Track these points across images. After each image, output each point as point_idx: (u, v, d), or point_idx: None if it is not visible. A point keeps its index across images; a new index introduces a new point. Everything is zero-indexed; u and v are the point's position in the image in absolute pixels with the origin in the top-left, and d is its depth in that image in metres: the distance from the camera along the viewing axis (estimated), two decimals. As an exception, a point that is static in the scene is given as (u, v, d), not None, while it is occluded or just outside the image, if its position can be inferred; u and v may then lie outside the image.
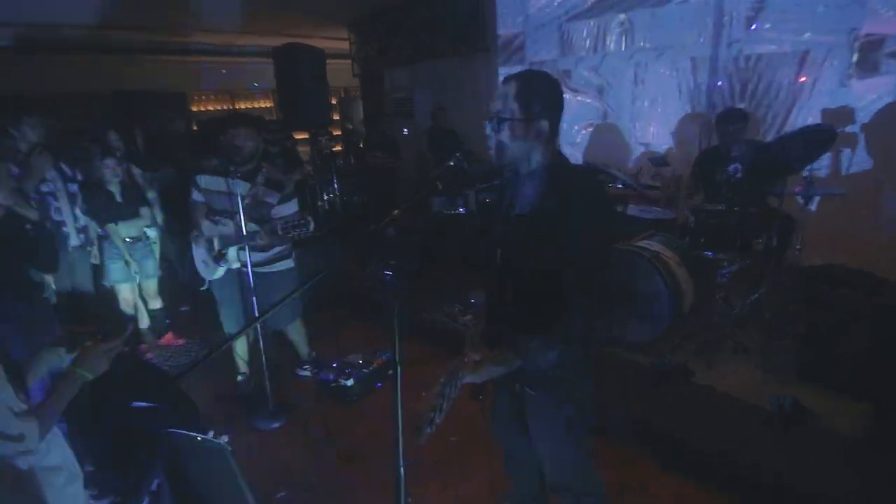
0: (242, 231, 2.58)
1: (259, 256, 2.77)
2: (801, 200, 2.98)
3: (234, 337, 2.72)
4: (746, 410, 2.50)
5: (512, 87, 1.37)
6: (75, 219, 3.43)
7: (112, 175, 3.40)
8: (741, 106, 3.80)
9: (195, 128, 7.72)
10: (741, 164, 2.75)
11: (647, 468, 2.37)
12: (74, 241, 3.43)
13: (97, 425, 2.04)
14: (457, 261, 4.89)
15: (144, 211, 3.61)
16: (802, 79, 3.73)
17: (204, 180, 2.74)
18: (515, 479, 2.01)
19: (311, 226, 2.43)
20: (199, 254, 2.82)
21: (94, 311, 3.64)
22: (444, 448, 2.58)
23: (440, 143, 5.70)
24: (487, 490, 2.29)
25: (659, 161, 4.12)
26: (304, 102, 5.00)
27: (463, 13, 5.79)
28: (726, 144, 3.16)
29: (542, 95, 1.38)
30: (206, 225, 2.76)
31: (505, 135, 1.39)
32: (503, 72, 5.74)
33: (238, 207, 2.55)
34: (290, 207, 2.78)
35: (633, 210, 3.72)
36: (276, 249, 2.81)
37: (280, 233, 2.48)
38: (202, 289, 2.92)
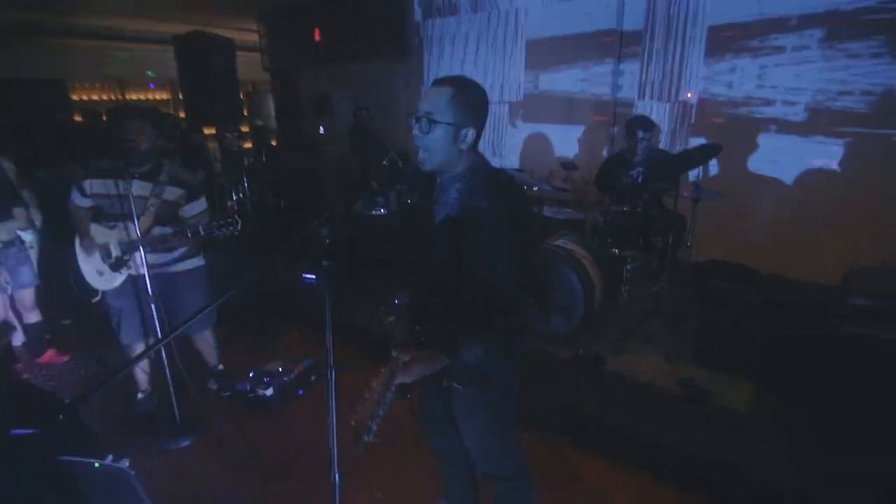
0: (150, 234, 2.40)
1: (164, 256, 2.57)
2: (690, 202, 3.35)
3: (149, 349, 2.45)
4: (652, 392, 2.75)
5: (445, 91, 1.39)
6: (-74, 219, 2.92)
7: (-26, 170, 2.94)
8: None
9: (80, 119, 6.88)
10: (643, 168, 3.02)
11: (575, 456, 2.50)
12: (-75, 245, 2.91)
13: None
14: (379, 262, 4.84)
15: (18, 212, 3.14)
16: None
17: (92, 184, 2.47)
18: (448, 476, 2.03)
19: (239, 224, 2.29)
20: (90, 263, 2.54)
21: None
22: (369, 451, 2.54)
23: (363, 143, 5.62)
24: (416, 490, 2.29)
25: (569, 165, 4.40)
26: (212, 96, 4.67)
27: (382, 13, 5.75)
28: (632, 150, 3.44)
29: (472, 103, 1.41)
30: (98, 230, 2.50)
31: (432, 137, 1.41)
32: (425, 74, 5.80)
33: (142, 209, 2.37)
34: (199, 205, 2.60)
35: (547, 211, 3.94)
36: (183, 249, 2.62)
37: (203, 233, 2.31)
38: (94, 300, 2.61)
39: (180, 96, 6.36)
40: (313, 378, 3.11)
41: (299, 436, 2.68)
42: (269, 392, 2.85)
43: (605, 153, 4.56)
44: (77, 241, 2.56)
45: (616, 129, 4.55)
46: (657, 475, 2.35)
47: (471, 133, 1.42)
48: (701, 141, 4.13)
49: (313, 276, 4.33)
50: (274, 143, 6.83)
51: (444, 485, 2.08)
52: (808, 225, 3.78)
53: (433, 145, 1.41)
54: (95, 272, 2.56)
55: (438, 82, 1.43)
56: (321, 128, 6.42)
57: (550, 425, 2.66)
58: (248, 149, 6.25)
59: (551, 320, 3.21)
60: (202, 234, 2.31)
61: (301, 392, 3.03)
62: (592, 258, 3.22)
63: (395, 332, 1.70)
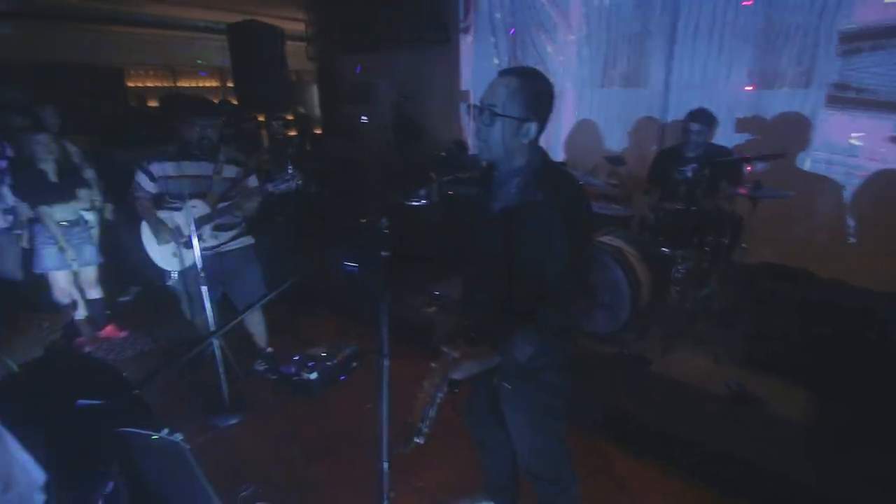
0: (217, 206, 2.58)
1: (223, 235, 2.74)
2: (748, 202, 3.20)
3: (219, 331, 2.54)
4: (699, 396, 2.66)
5: (510, 83, 1.35)
6: (1, 198, 3.11)
7: (45, 152, 3.10)
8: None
9: (134, 104, 7.16)
10: (698, 164, 2.90)
11: (612, 453, 2.46)
12: (1, 222, 3.10)
13: (42, 428, 1.87)
14: (418, 253, 4.87)
15: (82, 193, 3.32)
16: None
17: (158, 168, 2.59)
18: (488, 466, 2.03)
19: (299, 179, 2.46)
20: (162, 248, 2.66)
21: (24, 299, 3.32)
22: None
23: (404, 132, 5.62)
24: (456, 481, 2.30)
25: (616, 160, 4.27)
26: (262, 83, 4.76)
27: (426, 2, 5.71)
28: (687, 144, 3.30)
29: (538, 96, 1.38)
30: (165, 215, 2.62)
31: (494, 130, 1.38)
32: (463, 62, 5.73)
33: (208, 187, 2.56)
34: (254, 181, 2.74)
35: (594, 207, 3.83)
36: (237, 228, 2.81)
37: (271, 189, 2.51)
38: (169, 283, 2.75)
39: (229, 84, 6.55)
40: (355, 365, 3.16)
41: (340, 420, 2.74)
42: (313, 376, 2.91)
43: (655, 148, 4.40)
44: (144, 229, 2.68)
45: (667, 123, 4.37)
46: (697, 478, 2.28)
47: (533, 127, 1.38)
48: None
49: (355, 265, 4.40)
50: (318, 131, 6.93)
51: (483, 475, 2.07)
52: (876, 228, 3.55)
53: (494, 138, 1.39)
54: (170, 255, 2.67)
55: (505, 73, 1.40)
56: (363, 117, 6.46)
57: (589, 422, 2.62)
58: (293, 137, 6.36)
59: (595, 317, 3.14)
60: (271, 190, 2.50)
61: (343, 378, 3.08)
62: (640, 256, 3.13)
63: (441, 326, 1.70)
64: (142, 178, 2.61)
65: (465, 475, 2.29)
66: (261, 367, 3.14)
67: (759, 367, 2.84)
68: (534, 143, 1.43)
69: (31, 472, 1.39)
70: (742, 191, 3.08)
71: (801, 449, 2.28)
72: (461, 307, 1.76)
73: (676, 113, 4.19)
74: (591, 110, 4.87)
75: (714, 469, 2.28)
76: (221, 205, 2.61)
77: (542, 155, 1.47)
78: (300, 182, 2.45)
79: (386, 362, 1.39)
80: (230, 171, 2.68)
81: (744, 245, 3.20)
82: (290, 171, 2.47)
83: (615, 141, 4.81)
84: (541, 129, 1.42)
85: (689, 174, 2.95)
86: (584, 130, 5.02)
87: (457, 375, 1.39)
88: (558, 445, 1.67)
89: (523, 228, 1.40)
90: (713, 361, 2.96)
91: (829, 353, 2.59)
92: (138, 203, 2.66)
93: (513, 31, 5.01)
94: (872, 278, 2.96)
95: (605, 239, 3.21)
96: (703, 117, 3.20)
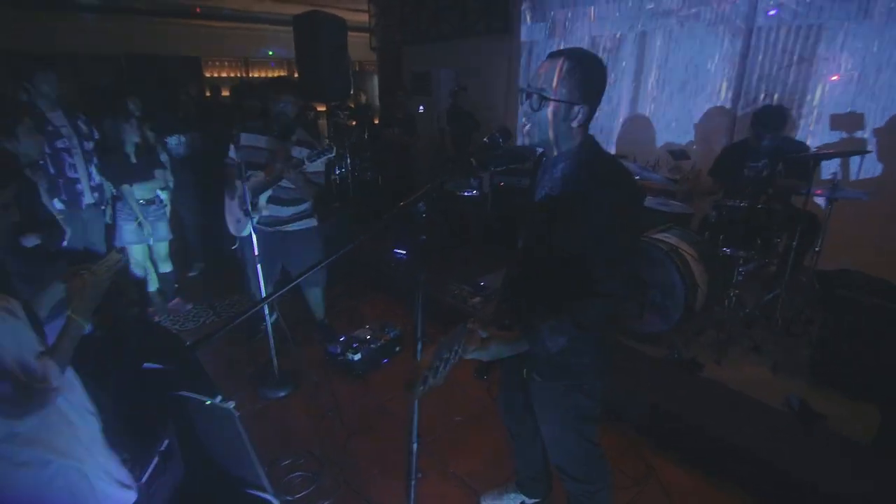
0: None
1: (285, 210, 2.91)
2: (823, 203, 2.94)
3: (258, 306, 2.69)
4: (753, 407, 2.50)
5: (560, 64, 1.30)
6: (90, 177, 3.41)
7: (128, 136, 3.37)
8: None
9: (208, 94, 7.61)
10: (770, 160, 2.68)
11: (655, 458, 2.38)
12: (89, 198, 3.40)
13: (109, 385, 2.06)
14: (469, 242, 4.88)
15: (159, 173, 3.59)
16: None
17: (246, 137, 2.81)
18: (521, 458, 2.02)
19: (333, 149, 2.64)
20: (232, 211, 2.91)
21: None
22: (449, 426, 2.61)
23: (459, 123, 5.63)
24: (488, 469, 2.30)
25: (679, 154, 4.05)
26: (325, 74, 4.91)
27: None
28: (758, 139, 3.08)
29: (588, 79, 1.32)
30: (239, 184, 2.77)
31: (542, 113, 1.35)
32: (524, 52, 5.65)
33: (274, 161, 2.70)
34: (319, 166, 2.87)
35: (651, 202, 3.67)
36: (300, 208, 2.97)
37: (308, 162, 2.66)
38: (233, 248, 3.01)
39: (296, 74, 6.81)
40: (398, 349, 3.23)
41: (381, 400, 2.81)
42: (357, 357, 3.00)
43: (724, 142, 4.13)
44: (226, 195, 2.93)
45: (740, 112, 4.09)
46: (745, 491, 2.16)
47: (583, 111, 1.33)
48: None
49: (404, 252, 4.49)
50: (376, 121, 7.07)
51: (516, 466, 2.06)
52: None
53: (542, 121, 1.35)
54: (235, 221, 2.92)
55: (553, 55, 1.34)
56: (421, 106, 6.52)
57: (634, 424, 2.53)
58: (354, 126, 6.52)
59: (646, 317, 3.02)
60: (307, 163, 2.66)
61: (386, 361, 3.16)
62: (699, 256, 2.97)
63: (483, 308, 1.67)
64: (231, 148, 2.85)
65: (497, 464, 2.30)
66: (317, 336, 3.34)
67: (823, 382, 2.62)
68: (583, 128, 1.38)
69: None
70: (817, 192, 2.84)
71: (861, 471, 2.08)
72: (501, 294, 1.75)
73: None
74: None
75: (763, 483, 2.14)
76: (284, 182, 2.75)
77: (592, 143, 1.41)
78: (334, 153, 2.60)
79: (420, 346, 1.40)
80: (298, 152, 2.79)
81: (817, 249, 2.94)
82: (326, 145, 2.67)
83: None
84: (590, 114, 1.36)
85: (760, 170, 2.75)
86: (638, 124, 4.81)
87: (482, 356, 1.34)
88: (589, 445, 1.62)
89: (564, 218, 1.36)
90: (770, 371, 2.76)
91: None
92: (226, 171, 2.90)
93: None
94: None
95: (661, 236, 3.07)
96: (775, 114, 2.98)
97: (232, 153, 2.86)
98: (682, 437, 2.41)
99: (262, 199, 2.79)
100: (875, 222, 3.48)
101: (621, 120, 5.00)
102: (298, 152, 2.78)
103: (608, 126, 5.08)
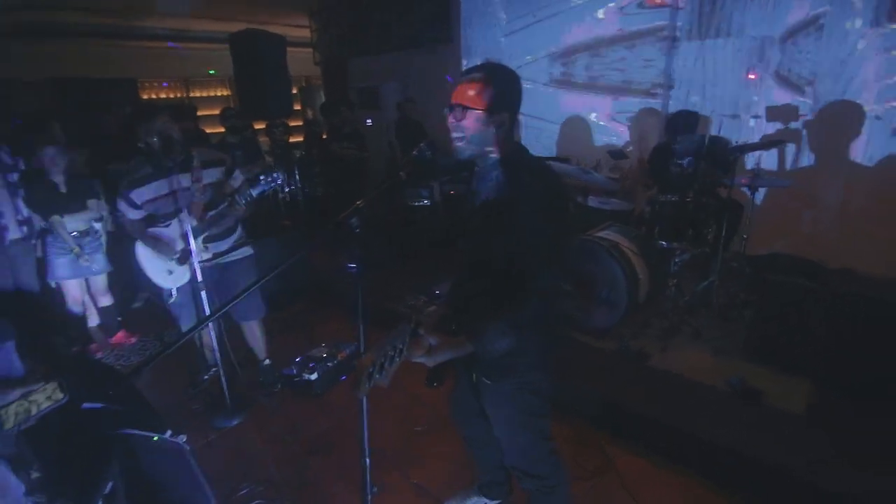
0: (205, 219, 2.53)
1: (223, 244, 2.72)
2: (747, 192, 3.15)
3: (195, 328, 2.59)
4: (699, 391, 2.63)
5: (479, 78, 1.38)
6: (17, 210, 3.23)
7: (54, 164, 3.21)
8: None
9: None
10: (693, 155, 2.86)
11: (613, 449, 2.45)
12: (15, 233, 3.22)
13: (46, 429, 1.95)
14: (422, 252, 4.90)
15: (92, 203, 3.42)
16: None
17: (140, 194, 2.53)
18: (480, 463, 2.04)
19: (281, 177, 2.41)
20: (158, 265, 2.67)
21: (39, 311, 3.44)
22: (409, 436, 2.61)
23: (407, 135, 5.66)
24: (450, 476, 2.32)
25: (617, 154, 4.24)
26: (264, 91, 4.85)
27: (428, 4, 5.75)
28: (672, 141, 3.26)
29: (507, 89, 1.40)
30: (157, 232, 2.63)
31: (467, 125, 1.40)
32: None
33: (189, 199, 2.49)
34: (239, 177, 2.70)
35: (592, 202, 3.82)
36: (234, 236, 2.78)
37: (255, 195, 2.48)
38: (171, 301, 2.74)
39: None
40: (356, 364, 3.20)
41: (340, 417, 2.78)
42: (314, 377, 2.96)
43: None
44: (139, 247, 2.68)
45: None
46: (697, 473, 2.27)
47: (506, 119, 1.41)
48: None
49: (355, 266, 4.45)
50: (324, 136, 7.01)
51: (476, 471, 2.09)
52: (884, 216, 3.45)
53: (468, 134, 1.41)
54: (165, 272, 2.67)
55: (468, 71, 1.42)
56: (368, 119, 6.52)
57: (588, 417, 2.61)
58: (300, 142, 6.44)
59: (593, 313, 3.13)
60: (254, 196, 2.47)
61: (344, 377, 3.13)
62: (638, 250, 3.10)
63: (428, 314, 1.69)
64: (125, 208, 2.57)
65: (460, 470, 2.31)
66: (261, 378, 3.11)
67: (759, 360, 2.79)
68: (508, 135, 1.45)
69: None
70: (744, 181, 3.04)
71: (801, 442, 2.23)
72: (446, 300, 1.78)
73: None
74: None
75: (714, 463, 2.25)
76: (209, 214, 2.55)
77: (519, 148, 1.48)
78: (280, 182, 2.43)
79: (363, 348, 1.40)
80: (210, 175, 2.59)
81: (745, 236, 3.14)
82: (272, 175, 2.45)
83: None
84: (512, 121, 1.44)
85: (685, 167, 2.91)
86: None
87: (429, 361, 1.37)
88: (542, 442, 1.67)
89: (497, 222, 1.42)
90: (712, 355, 2.92)
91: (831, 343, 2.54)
92: (128, 227, 2.66)
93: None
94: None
95: (603, 234, 3.19)
96: (685, 118, 3.19)
97: (131, 215, 2.57)
98: (637, 426, 2.50)
99: (198, 243, 2.55)
100: (804, 209, 3.75)
101: (559, 125, 5.19)
102: (209, 175, 2.58)
103: (549, 130, 5.25)
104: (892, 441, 2.19)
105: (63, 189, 3.26)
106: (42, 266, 3.39)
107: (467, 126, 1.40)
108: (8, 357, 2.06)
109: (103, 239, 3.56)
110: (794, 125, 3.78)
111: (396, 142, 5.86)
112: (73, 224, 3.31)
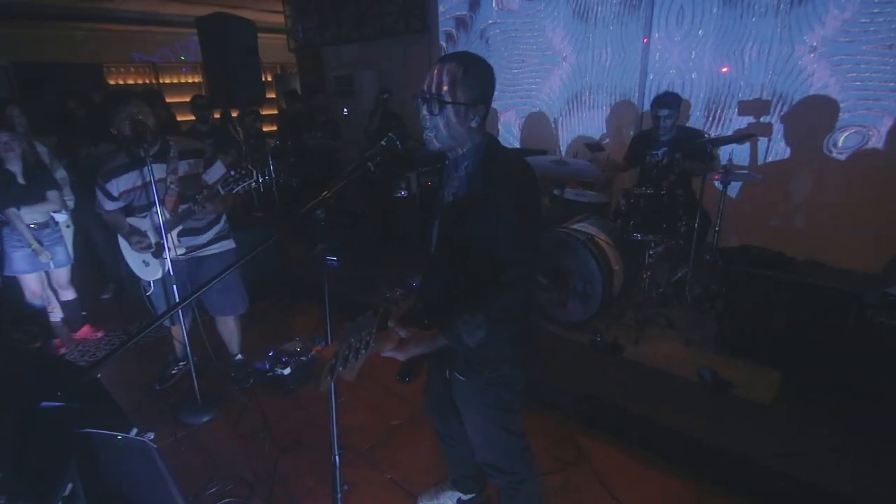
0: (179, 212, 2.45)
1: (200, 238, 2.64)
2: (719, 185, 3.18)
3: (155, 321, 2.50)
4: (671, 382, 2.67)
5: (452, 68, 1.33)
6: (-30, 202, 3.06)
7: (10, 150, 3.04)
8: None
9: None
10: (669, 148, 2.86)
11: (587, 441, 2.47)
12: (-31, 226, 3.06)
13: (3, 429, 1.86)
14: (402, 243, 4.86)
15: (51, 194, 3.26)
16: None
17: (117, 185, 2.46)
18: (453, 460, 2.03)
19: (254, 175, 2.34)
20: (135, 256, 2.61)
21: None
22: (384, 431, 2.58)
23: (387, 126, 5.56)
24: (425, 470, 2.31)
25: (595, 146, 4.24)
26: (234, 78, 4.69)
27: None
28: (657, 128, 3.27)
29: (481, 80, 1.36)
30: (134, 222, 2.56)
31: (441, 117, 1.36)
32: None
33: (164, 191, 2.40)
34: (219, 169, 2.61)
35: (569, 194, 3.82)
36: (216, 229, 2.70)
37: (223, 193, 2.38)
38: (148, 294, 2.67)
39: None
40: (315, 356, 3.14)
41: (313, 412, 2.74)
42: (287, 371, 2.91)
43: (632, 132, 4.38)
44: (121, 242, 2.63)
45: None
46: (670, 463, 2.31)
47: (480, 111, 1.38)
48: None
49: (335, 259, 4.39)
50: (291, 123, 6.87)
51: (448, 466, 2.08)
52: (853, 210, 3.54)
53: (441, 125, 1.37)
54: (141, 263, 2.61)
55: (444, 60, 1.37)
56: (344, 109, 6.40)
57: (563, 410, 2.62)
58: (274, 131, 6.29)
59: (568, 306, 3.14)
60: (223, 192, 2.38)
61: (318, 372, 3.08)
62: (613, 242, 3.12)
63: (397, 307, 1.65)
64: (103, 200, 2.51)
65: (435, 464, 2.31)
66: (232, 373, 3.04)
67: (729, 351, 2.84)
68: (482, 127, 1.42)
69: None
70: (715, 175, 3.07)
71: (767, 433, 2.28)
72: (417, 293, 1.75)
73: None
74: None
75: (685, 454, 2.29)
76: (182, 207, 2.46)
77: (491, 140, 1.46)
78: (255, 179, 2.35)
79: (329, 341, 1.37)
80: (185, 167, 2.50)
81: (717, 229, 3.18)
82: (245, 170, 2.36)
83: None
84: (486, 112, 1.41)
85: (660, 158, 2.93)
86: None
87: (400, 355, 1.35)
88: (512, 438, 1.66)
89: (469, 214, 1.39)
90: (684, 346, 2.96)
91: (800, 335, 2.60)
92: (107, 220, 2.59)
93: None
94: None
95: (578, 226, 3.20)
96: (669, 95, 3.18)
97: (107, 206, 2.51)
98: (611, 418, 2.52)
99: (173, 236, 2.49)
100: (775, 201, 3.83)
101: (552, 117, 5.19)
102: (185, 166, 2.49)
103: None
104: (858, 431, 2.26)
105: (21, 180, 3.11)
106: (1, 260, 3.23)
107: (439, 118, 1.36)
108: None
109: (69, 231, 3.41)
110: (765, 119, 3.84)
111: (373, 131, 5.76)
112: (30, 216, 3.16)
